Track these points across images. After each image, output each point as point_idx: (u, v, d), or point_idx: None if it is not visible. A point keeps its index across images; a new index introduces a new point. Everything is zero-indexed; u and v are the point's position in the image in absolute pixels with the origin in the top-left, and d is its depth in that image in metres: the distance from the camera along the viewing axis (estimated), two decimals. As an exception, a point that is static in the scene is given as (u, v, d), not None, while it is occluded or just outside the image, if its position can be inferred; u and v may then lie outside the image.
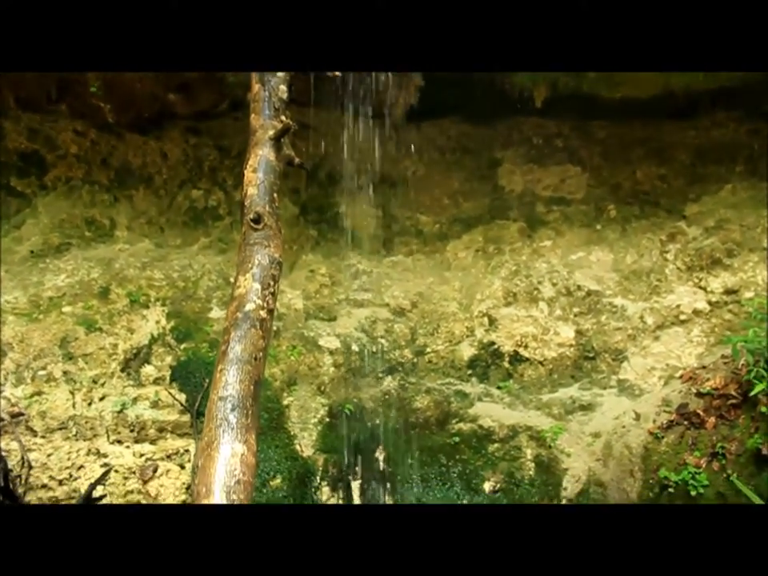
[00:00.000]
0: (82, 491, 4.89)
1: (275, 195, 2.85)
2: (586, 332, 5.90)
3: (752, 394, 4.77)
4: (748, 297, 5.71)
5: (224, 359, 2.32)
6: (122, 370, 5.43)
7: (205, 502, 2.08)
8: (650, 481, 5.16)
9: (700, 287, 5.94)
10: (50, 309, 5.66)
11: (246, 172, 2.91)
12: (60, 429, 5.18)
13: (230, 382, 2.25)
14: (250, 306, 2.45)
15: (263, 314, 2.44)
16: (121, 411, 5.24)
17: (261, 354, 2.35)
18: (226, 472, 2.12)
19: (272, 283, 2.56)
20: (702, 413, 5.34)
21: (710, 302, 5.85)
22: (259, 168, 2.90)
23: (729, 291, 5.82)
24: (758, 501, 4.03)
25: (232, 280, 2.89)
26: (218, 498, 2.08)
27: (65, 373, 5.35)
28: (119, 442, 5.20)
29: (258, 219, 2.67)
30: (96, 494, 4.94)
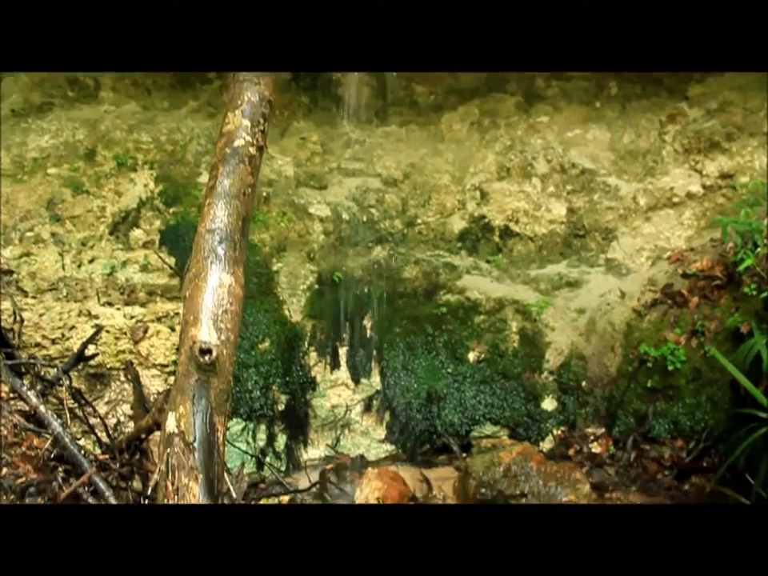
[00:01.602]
0: (75, 350, 4.97)
1: (266, 34, 2.73)
2: (578, 210, 5.88)
3: (740, 268, 4.83)
4: (743, 181, 5.66)
5: (212, 194, 2.29)
6: (111, 233, 5.39)
7: (192, 330, 2.11)
8: (630, 356, 5.30)
9: (695, 170, 5.87)
10: (34, 170, 5.55)
11: (236, 9, 2.76)
12: (50, 290, 5.20)
13: (218, 216, 2.24)
14: (239, 142, 2.39)
15: (252, 150, 2.39)
16: (110, 274, 5.24)
17: (249, 189, 2.32)
18: (213, 301, 2.14)
19: (262, 121, 2.49)
20: (686, 293, 5.43)
21: (704, 186, 5.80)
22: (250, 5, 2.76)
23: (724, 175, 5.77)
24: (732, 369, 4.16)
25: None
26: (205, 326, 2.11)
27: (53, 235, 5.31)
28: (110, 304, 5.24)
29: (247, 56, 2.57)
30: (88, 353, 5.03)
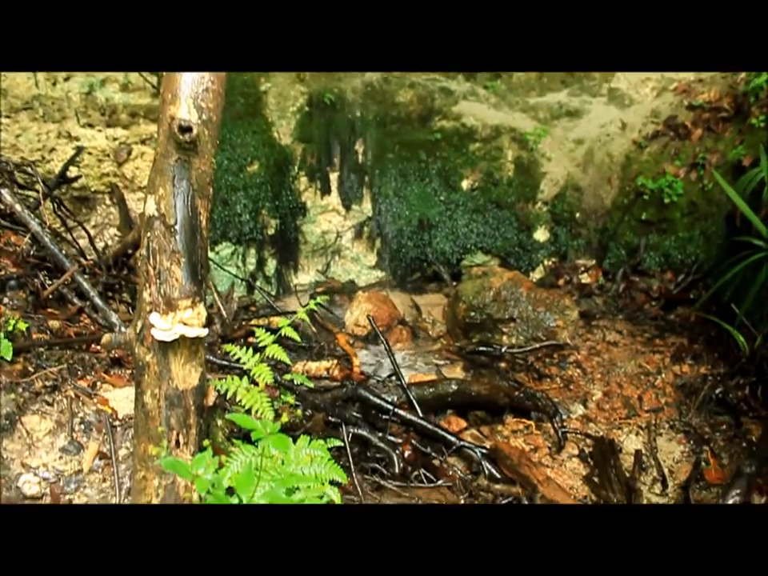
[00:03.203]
0: (57, 172, 4.81)
1: None
2: (584, 34, 5.53)
3: (753, 84, 4.64)
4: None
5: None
6: (87, 48, 5.05)
7: (171, 108, 1.96)
8: (627, 188, 5.20)
9: (712, -7, 5.48)
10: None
11: None
12: (25, 109, 4.94)
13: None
14: None
15: None
16: (89, 93, 4.97)
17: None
18: (193, 79, 1.97)
19: None
20: (689, 125, 5.24)
21: (719, 11, 5.44)
22: None
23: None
24: (732, 194, 4.08)
25: None
26: (184, 104, 1.96)
27: (24, 48, 4.96)
28: (90, 125, 5.01)
29: None
30: (71, 174, 4.87)
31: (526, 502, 3.07)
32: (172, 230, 1.90)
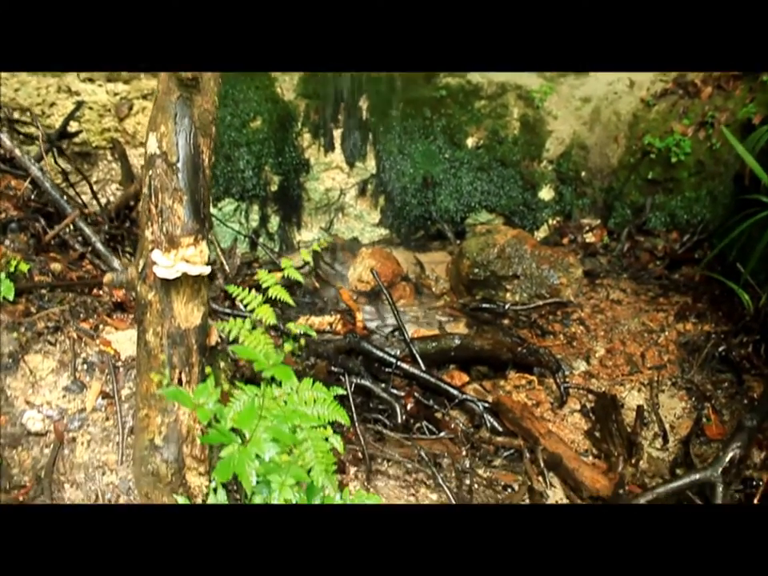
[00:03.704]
0: (57, 127, 4.76)
1: None
2: None
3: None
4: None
5: None
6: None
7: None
8: (633, 147, 5.14)
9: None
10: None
11: None
12: (26, 62, 4.88)
13: None
14: None
15: None
16: (89, 47, 4.89)
17: None
18: (193, 14, 1.93)
19: None
20: (699, 83, 5.16)
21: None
22: None
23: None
24: (741, 150, 4.03)
25: None
26: (186, 40, 1.91)
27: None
28: (90, 80, 4.93)
29: None
30: (71, 129, 4.83)
31: (528, 455, 3.09)
32: (174, 167, 1.88)
